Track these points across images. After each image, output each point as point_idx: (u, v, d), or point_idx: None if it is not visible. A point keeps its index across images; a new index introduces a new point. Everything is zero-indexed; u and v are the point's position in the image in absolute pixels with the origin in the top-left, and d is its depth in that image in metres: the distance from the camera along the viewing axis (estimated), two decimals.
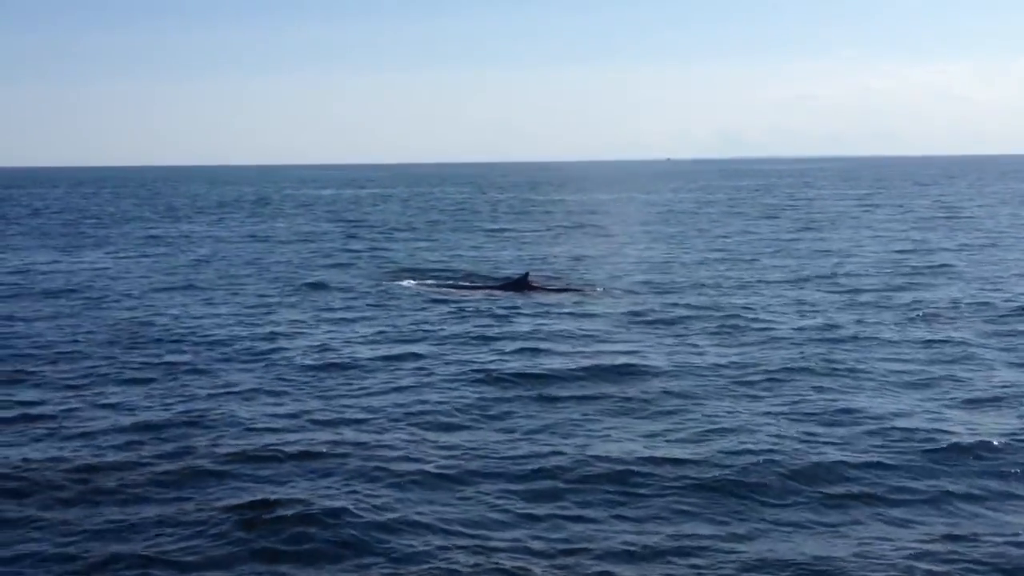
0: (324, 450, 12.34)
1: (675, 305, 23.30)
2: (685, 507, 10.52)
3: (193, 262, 34.25)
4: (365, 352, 18.16)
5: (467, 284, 27.40)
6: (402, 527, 10.00)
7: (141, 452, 12.40)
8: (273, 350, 18.36)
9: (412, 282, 27.89)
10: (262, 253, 37.39)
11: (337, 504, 10.47)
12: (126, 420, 13.78)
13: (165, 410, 14.34)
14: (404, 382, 15.85)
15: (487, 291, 25.80)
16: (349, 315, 22.43)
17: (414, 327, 20.69)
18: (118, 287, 27.57)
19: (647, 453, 12.07)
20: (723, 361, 17.02)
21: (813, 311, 22.29)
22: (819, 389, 15.10)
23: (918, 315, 21.47)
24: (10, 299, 25.25)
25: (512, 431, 13.21)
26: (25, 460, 12.08)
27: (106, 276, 30.27)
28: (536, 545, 9.60)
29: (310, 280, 28.61)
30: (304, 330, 20.50)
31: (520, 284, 25.81)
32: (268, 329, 20.52)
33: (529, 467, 11.63)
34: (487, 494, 10.87)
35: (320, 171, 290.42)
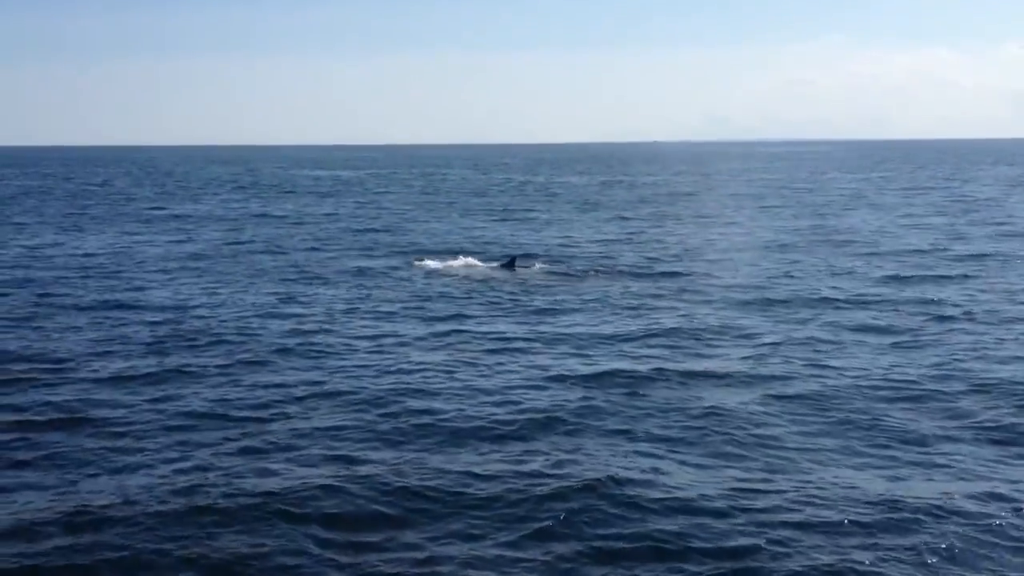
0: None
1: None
2: None
3: (210, 245, 32.95)
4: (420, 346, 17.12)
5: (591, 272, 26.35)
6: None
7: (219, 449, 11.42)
8: (325, 343, 17.27)
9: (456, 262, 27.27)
10: (280, 236, 36.08)
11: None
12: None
13: (223, 403, 13.42)
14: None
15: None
16: (392, 308, 21.16)
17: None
18: (143, 270, 26.42)
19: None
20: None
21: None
22: None
23: None
24: (32, 283, 24.02)
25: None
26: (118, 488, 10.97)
27: (128, 258, 29.09)
28: None
29: (343, 267, 27.33)
30: (352, 321, 19.37)
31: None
32: (317, 322, 19.36)
33: None
34: None
35: (305, 151, 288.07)
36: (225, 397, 13.79)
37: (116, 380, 14.65)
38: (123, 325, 18.76)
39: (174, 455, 11.41)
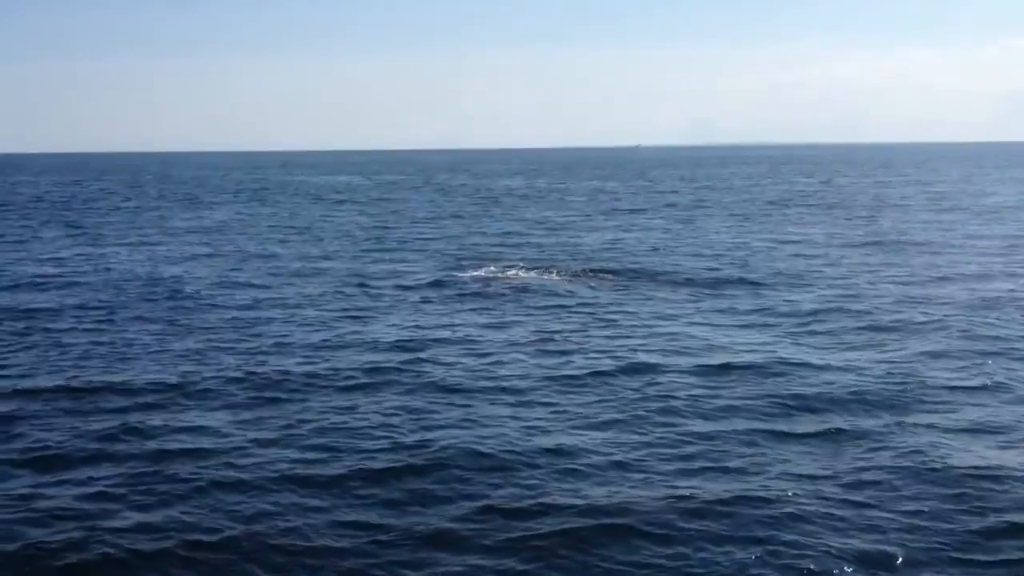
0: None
1: None
2: None
3: (236, 256, 31.92)
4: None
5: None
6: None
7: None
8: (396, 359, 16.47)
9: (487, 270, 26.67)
10: (309, 247, 35.14)
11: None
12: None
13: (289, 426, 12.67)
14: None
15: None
16: (444, 317, 20.49)
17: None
18: (186, 282, 25.51)
19: None
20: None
21: None
22: None
23: None
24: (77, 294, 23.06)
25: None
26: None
27: (167, 268, 28.14)
28: None
29: (381, 279, 26.34)
30: (407, 335, 18.56)
31: None
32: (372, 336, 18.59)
33: None
34: None
35: (299, 156, 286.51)
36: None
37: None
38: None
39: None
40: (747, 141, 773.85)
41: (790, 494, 10.21)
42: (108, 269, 28.15)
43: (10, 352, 17.09)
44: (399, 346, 17.36)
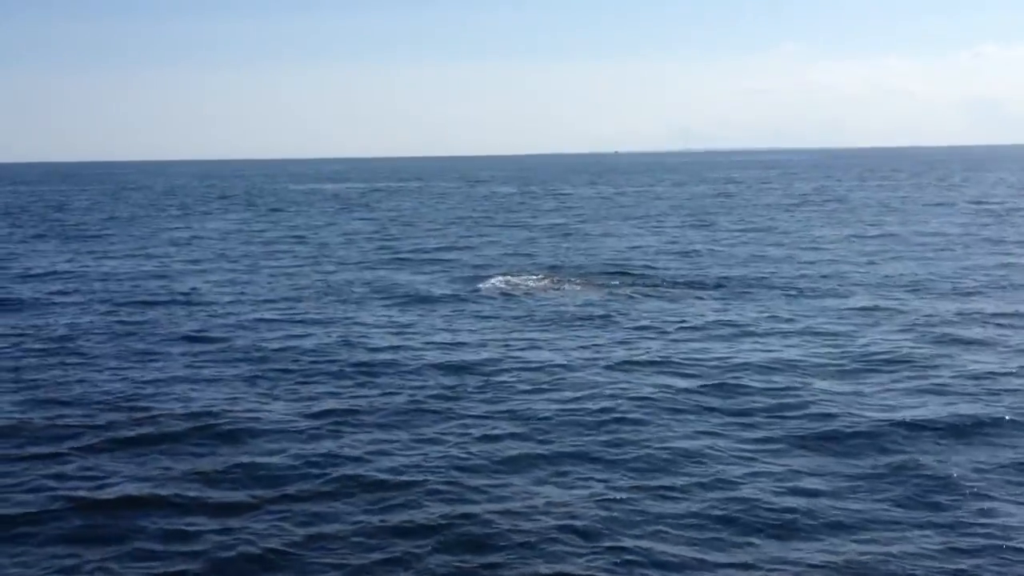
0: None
1: None
2: None
3: (248, 269, 30.67)
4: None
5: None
6: None
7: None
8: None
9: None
10: (317, 256, 33.85)
11: None
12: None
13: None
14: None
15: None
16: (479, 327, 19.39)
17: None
18: (219, 296, 24.26)
19: None
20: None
21: None
22: None
23: None
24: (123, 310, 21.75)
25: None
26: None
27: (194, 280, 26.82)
28: None
29: (409, 291, 25.10)
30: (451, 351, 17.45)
31: None
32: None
33: None
34: None
35: (280, 166, 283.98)
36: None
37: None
38: None
39: None
40: (725, 147, 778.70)
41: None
42: (125, 283, 26.77)
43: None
44: (459, 366, 16.23)
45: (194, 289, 25.52)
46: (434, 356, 16.93)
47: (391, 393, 14.49)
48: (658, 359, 16.39)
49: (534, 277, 26.42)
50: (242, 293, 24.89)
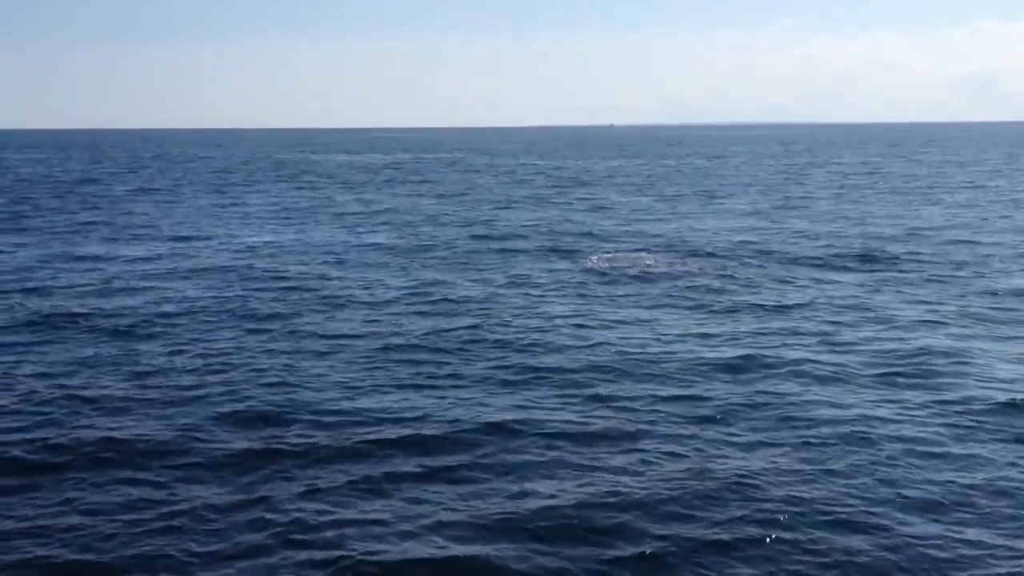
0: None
1: None
2: None
3: (329, 248, 29.23)
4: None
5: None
6: None
7: None
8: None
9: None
10: (407, 236, 31.87)
11: None
12: None
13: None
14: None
15: None
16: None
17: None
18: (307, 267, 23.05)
19: None
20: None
21: None
22: None
23: None
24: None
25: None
26: None
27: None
28: None
29: (516, 271, 23.86)
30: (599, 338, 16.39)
31: None
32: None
33: None
34: None
35: (280, 134, 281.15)
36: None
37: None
38: None
39: None
40: (720, 121, 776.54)
41: None
42: (203, 264, 25.37)
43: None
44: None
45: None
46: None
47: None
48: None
49: (656, 256, 25.26)
50: (379, 282, 22.68)
